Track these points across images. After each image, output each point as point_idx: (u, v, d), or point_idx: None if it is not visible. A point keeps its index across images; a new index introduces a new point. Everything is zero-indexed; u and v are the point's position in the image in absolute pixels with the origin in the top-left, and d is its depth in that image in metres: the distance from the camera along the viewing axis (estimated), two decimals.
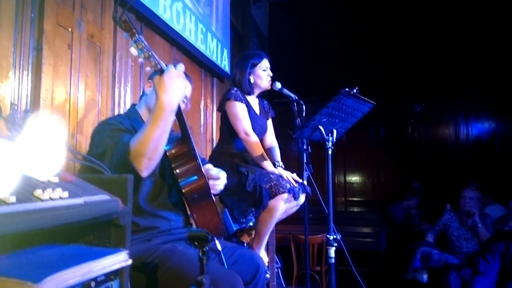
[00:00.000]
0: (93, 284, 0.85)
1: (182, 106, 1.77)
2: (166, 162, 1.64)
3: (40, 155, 0.92)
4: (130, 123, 1.64)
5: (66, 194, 0.87)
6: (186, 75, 1.80)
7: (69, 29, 2.08)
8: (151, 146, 1.37)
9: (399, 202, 5.33)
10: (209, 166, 1.89)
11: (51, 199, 0.83)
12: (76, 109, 2.12)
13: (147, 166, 1.40)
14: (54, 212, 0.81)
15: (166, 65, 1.41)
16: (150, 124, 1.38)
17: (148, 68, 1.41)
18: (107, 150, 1.43)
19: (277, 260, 2.76)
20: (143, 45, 1.36)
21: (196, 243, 1.23)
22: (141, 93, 1.88)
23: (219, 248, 1.64)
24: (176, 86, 1.38)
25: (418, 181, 5.45)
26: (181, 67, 1.43)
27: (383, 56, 5.93)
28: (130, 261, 0.98)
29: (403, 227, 5.07)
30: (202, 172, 1.67)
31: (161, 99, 1.37)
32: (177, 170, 1.63)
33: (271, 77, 2.61)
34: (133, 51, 1.36)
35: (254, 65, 2.56)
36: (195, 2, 3.49)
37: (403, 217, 5.21)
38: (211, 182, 1.76)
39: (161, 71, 1.39)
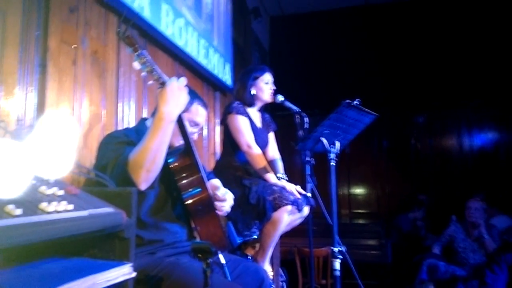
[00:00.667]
0: None
1: (195, 136, 1.77)
2: (170, 174, 1.65)
3: (46, 168, 0.93)
4: (137, 136, 1.64)
5: (71, 206, 0.88)
6: (204, 103, 1.80)
7: (73, 46, 2.12)
8: (150, 157, 1.37)
9: (405, 214, 5.29)
10: (216, 183, 1.86)
11: (56, 211, 0.84)
12: (80, 124, 2.14)
13: (145, 178, 1.38)
14: (59, 224, 0.82)
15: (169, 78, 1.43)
16: (148, 135, 1.39)
17: (150, 82, 1.43)
18: (109, 162, 1.44)
19: (282, 273, 2.74)
20: (145, 59, 1.38)
21: (200, 255, 1.23)
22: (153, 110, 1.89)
23: (223, 261, 1.64)
24: (177, 98, 1.40)
25: (424, 194, 5.43)
26: (183, 80, 1.45)
27: (385, 68, 5.96)
28: (134, 274, 0.98)
29: (409, 239, 5.03)
30: (206, 185, 1.67)
31: (161, 110, 1.39)
32: (180, 183, 1.64)
33: (274, 90, 2.63)
34: (136, 65, 1.38)
35: (256, 78, 2.59)
36: (197, 17, 3.54)
37: (409, 228, 5.18)
38: (217, 203, 1.74)
39: (163, 84, 1.41)
